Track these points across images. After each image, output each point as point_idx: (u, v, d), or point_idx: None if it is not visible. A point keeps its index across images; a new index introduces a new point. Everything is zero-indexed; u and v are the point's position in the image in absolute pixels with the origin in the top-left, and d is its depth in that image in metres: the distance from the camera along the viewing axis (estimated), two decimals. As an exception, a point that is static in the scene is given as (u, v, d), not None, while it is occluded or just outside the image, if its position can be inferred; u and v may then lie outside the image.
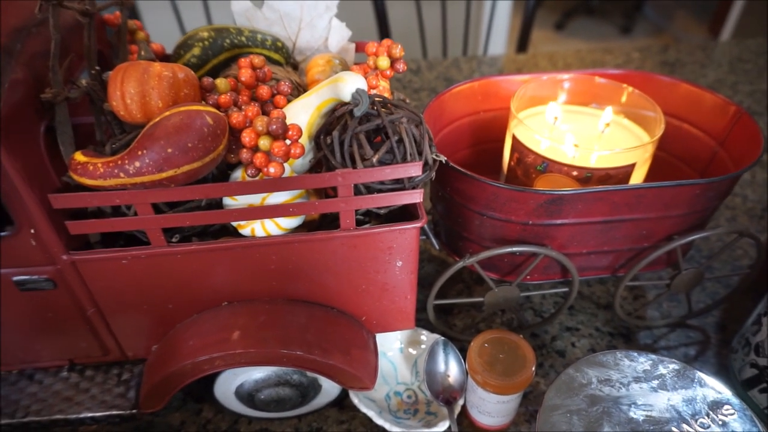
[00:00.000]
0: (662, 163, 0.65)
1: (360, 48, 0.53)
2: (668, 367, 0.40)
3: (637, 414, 0.37)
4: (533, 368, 0.46)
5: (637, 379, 0.40)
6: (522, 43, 1.31)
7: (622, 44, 2.77)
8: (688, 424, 0.37)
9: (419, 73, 1.07)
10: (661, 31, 2.92)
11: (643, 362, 0.41)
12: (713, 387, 0.39)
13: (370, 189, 0.42)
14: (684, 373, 0.40)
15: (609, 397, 0.38)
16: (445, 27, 1.32)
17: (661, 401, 0.38)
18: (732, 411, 0.37)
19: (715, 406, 0.38)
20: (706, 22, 2.88)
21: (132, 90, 0.37)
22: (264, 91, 0.43)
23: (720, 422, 0.37)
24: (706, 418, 0.37)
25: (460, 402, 0.51)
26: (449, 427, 0.49)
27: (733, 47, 1.16)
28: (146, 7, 1.78)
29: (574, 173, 0.53)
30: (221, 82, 0.42)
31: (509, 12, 2.02)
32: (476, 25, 2.07)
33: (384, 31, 1.24)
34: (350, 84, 0.40)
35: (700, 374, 0.40)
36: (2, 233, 0.39)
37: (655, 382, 0.39)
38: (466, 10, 1.31)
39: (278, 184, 0.38)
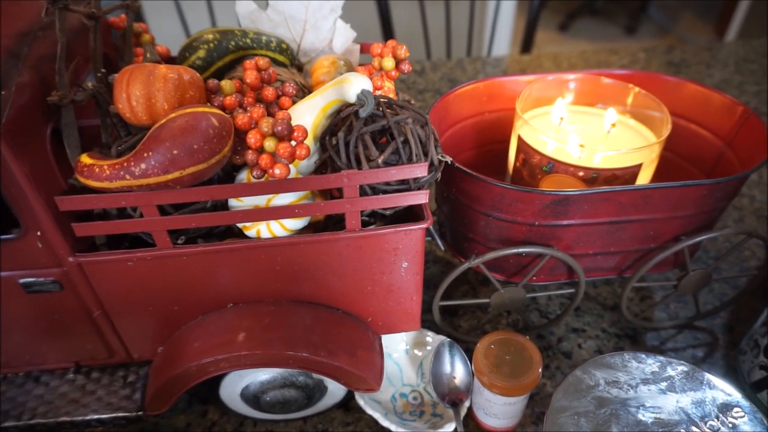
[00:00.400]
0: (669, 164, 0.64)
1: (365, 49, 0.53)
2: (677, 369, 0.40)
3: (645, 416, 0.37)
4: (540, 370, 0.46)
5: (645, 381, 0.39)
6: (526, 44, 1.31)
7: (628, 45, 2.76)
8: (698, 427, 0.36)
9: (423, 74, 1.07)
10: (666, 32, 2.91)
11: (651, 364, 0.40)
12: (722, 389, 0.39)
13: (375, 190, 0.41)
14: (693, 375, 0.39)
15: (617, 399, 0.38)
16: (449, 28, 1.32)
17: (670, 403, 0.38)
18: (742, 413, 0.37)
19: (725, 408, 0.37)
20: (712, 23, 2.87)
21: (138, 92, 0.37)
22: (269, 92, 0.43)
23: (730, 425, 0.36)
24: (715, 420, 0.37)
25: (466, 404, 0.50)
26: (455, 429, 0.49)
27: (739, 48, 1.16)
28: (151, 9, 1.79)
29: (580, 174, 0.53)
30: (226, 84, 0.42)
31: (513, 13, 2.02)
32: (480, 26, 2.06)
33: (388, 33, 1.24)
34: (355, 85, 0.39)
35: (708, 376, 0.39)
36: (9, 235, 0.39)
37: (663, 384, 0.39)
38: (470, 11, 1.31)
39: (283, 185, 0.38)
